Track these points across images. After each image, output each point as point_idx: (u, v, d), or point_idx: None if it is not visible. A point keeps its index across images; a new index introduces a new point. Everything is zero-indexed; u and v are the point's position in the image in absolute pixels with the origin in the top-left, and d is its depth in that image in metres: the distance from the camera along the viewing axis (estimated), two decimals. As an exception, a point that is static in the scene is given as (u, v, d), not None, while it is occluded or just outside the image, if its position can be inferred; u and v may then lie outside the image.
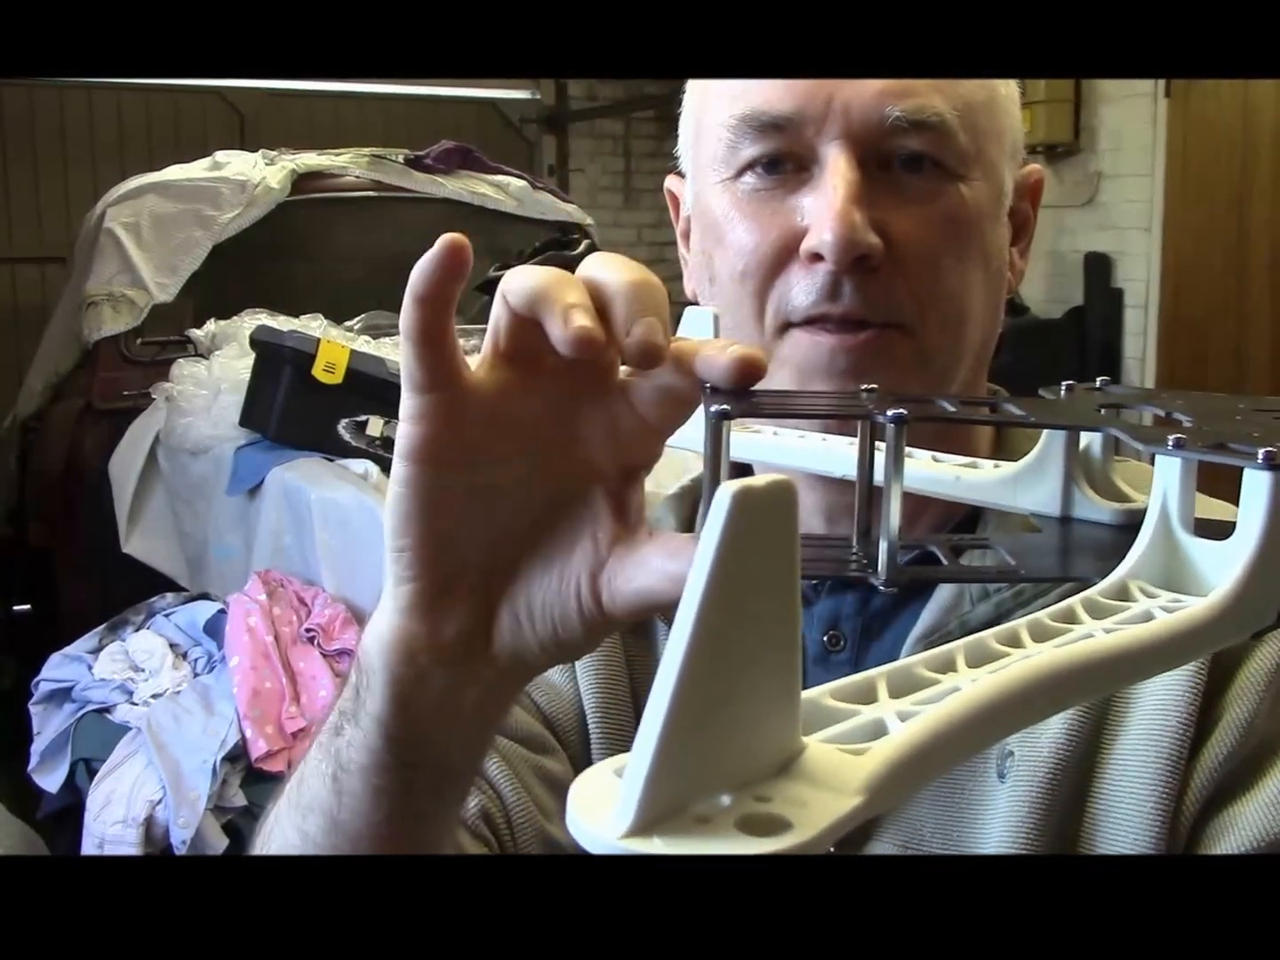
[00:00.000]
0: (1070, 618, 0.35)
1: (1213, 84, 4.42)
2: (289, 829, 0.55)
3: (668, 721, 0.26)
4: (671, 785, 0.26)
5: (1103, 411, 0.44)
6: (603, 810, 0.27)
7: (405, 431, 0.45)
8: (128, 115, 5.18)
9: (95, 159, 5.03)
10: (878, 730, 0.29)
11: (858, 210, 0.65)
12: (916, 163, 0.67)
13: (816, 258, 0.66)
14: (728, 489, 0.26)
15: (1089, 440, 0.47)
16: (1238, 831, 0.60)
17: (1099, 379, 0.49)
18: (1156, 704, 0.62)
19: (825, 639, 0.72)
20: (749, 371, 0.40)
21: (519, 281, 0.44)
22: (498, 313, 0.45)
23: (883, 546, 0.39)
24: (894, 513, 0.38)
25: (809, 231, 0.67)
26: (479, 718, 0.50)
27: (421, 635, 0.47)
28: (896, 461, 0.38)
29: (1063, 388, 0.47)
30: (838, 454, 0.54)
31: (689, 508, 0.79)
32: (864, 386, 0.43)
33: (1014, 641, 0.33)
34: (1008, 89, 0.72)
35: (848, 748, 0.29)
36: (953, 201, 0.68)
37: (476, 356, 0.47)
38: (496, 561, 0.47)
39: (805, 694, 0.30)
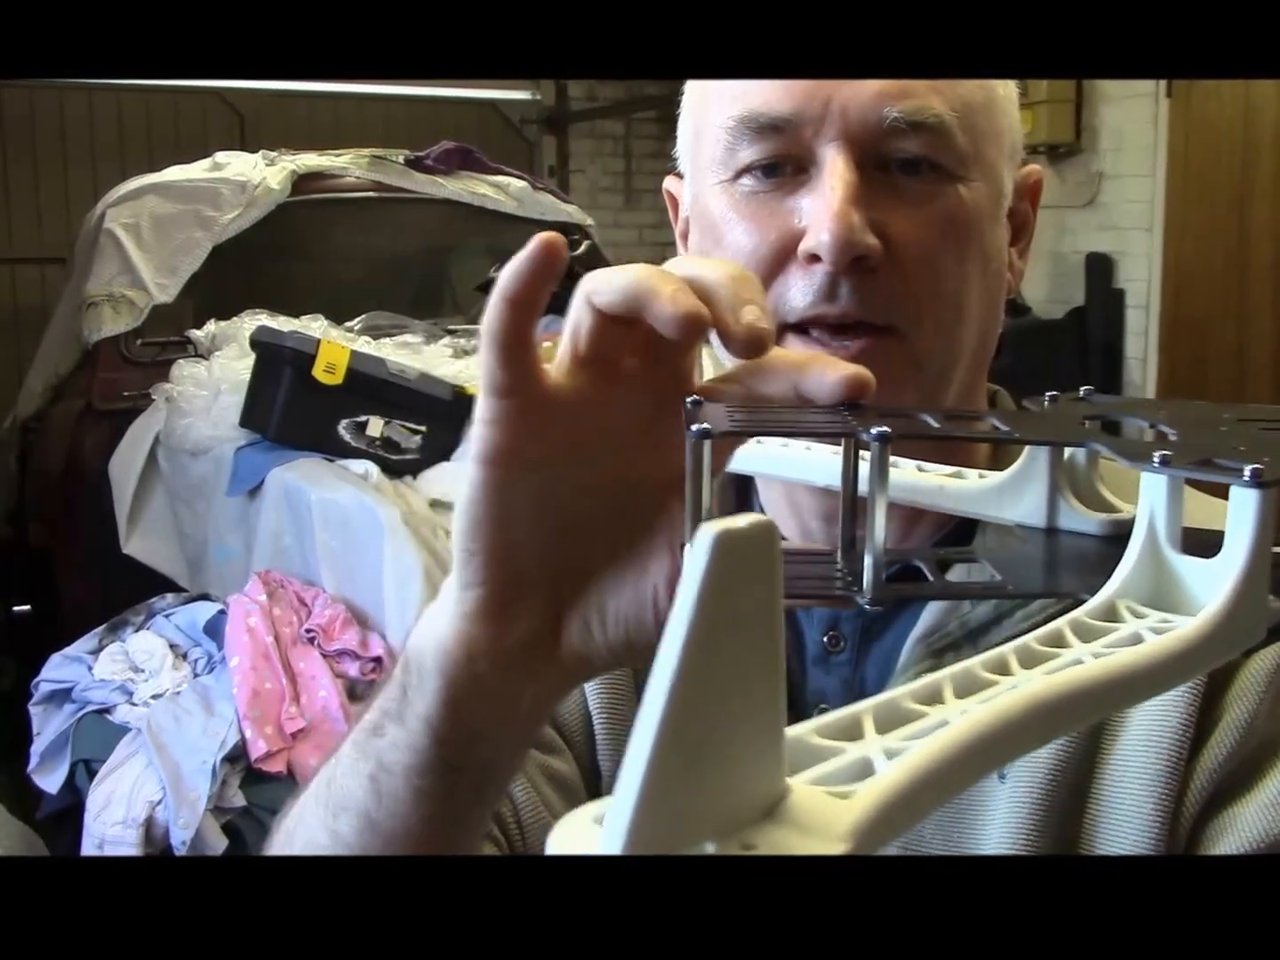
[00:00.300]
0: (1059, 641, 0.34)
1: (1214, 84, 4.42)
2: (317, 829, 0.55)
3: (649, 770, 0.25)
4: (654, 834, 0.26)
5: (1087, 424, 0.44)
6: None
7: (481, 434, 0.44)
8: (128, 116, 5.18)
9: (95, 160, 5.03)
10: (864, 770, 0.29)
11: (856, 211, 0.65)
12: (914, 164, 0.67)
13: (814, 259, 0.66)
14: (709, 530, 0.25)
15: (1073, 450, 0.47)
16: (1237, 832, 0.60)
17: (1083, 388, 0.49)
18: (1156, 704, 0.62)
19: (825, 640, 0.72)
20: (859, 391, 0.40)
21: (608, 280, 0.43)
22: (579, 315, 0.45)
23: (867, 564, 0.38)
24: (879, 531, 0.38)
25: (807, 232, 0.67)
26: (532, 717, 0.50)
27: (485, 640, 0.46)
28: (881, 480, 0.38)
29: (1046, 398, 0.47)
30: (822, 463, 0.54)
31: None
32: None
33: (1002, 669, 0.33)
34: (1006, 89, 0.72)
35: (834, 790, 0.28)
36: (951, 202, 0.68)
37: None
38: (569, 567, 0.46)
39: (790, 731, 0.29)
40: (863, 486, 0.41)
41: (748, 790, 0.27)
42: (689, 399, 0.41)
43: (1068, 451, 0.47)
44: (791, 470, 0.56)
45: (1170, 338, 4.75)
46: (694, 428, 0.38)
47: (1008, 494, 0.48)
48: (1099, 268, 4.87)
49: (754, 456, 0.57)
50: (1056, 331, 4.84)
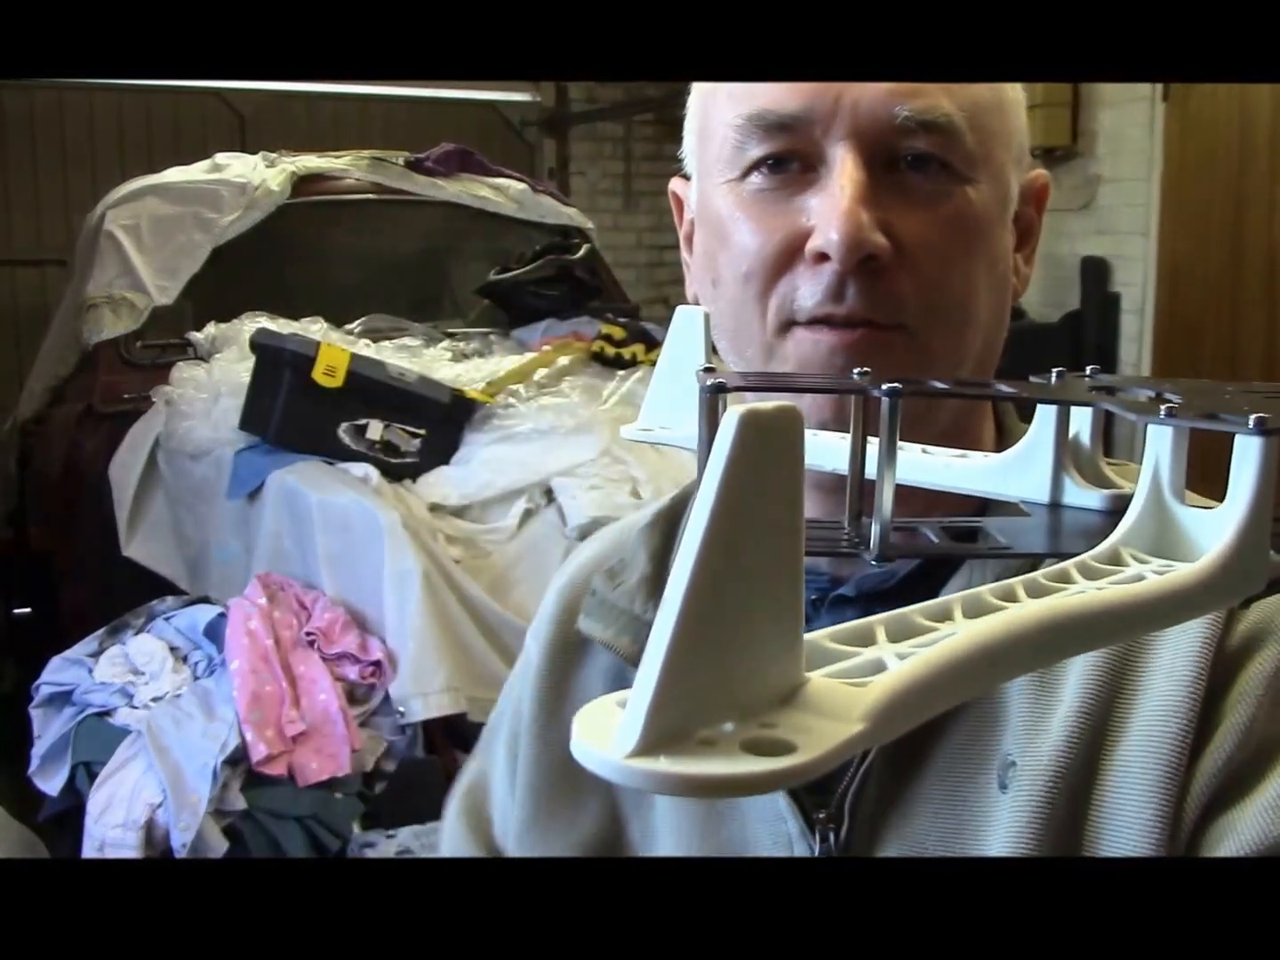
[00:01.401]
0: (1065, 578, 0.35)
1: (1210, 89, 4.42)
2: None
3: (673, 645, 0.26)
4: (676, 709, 0.27)
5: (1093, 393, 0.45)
6: (608, 735, 0.28)
7: None
8: (127, 117, 5.17)
9: (95, 161, 5.03)
10: (878, 668, 0.30)
11: (864, 210, 0.65)
12: (923, 163, 0.67)
13: (822, 257, 0.66)
14: (735, 411, 0.26)
15: (1078, 429, 0.48)
16: (1237, 835, 0.60)
17: (1089, 368, 0.49)
18: (1156, 709, 0.62)
19: None
20: None
21: None
22: None
23: (875, 524, 0.39)
24: (888, 490, 0.39)
25: (815, 231, 0.66)
26: None
27: None
28: (890, 437, 0.38)
29: (1054, 374, 0.48)
30: (830, 448, 0.55)
31: (662, 536, 0.79)
32: (857, 370, 0.43)
33: (1010, 597, 0.34)
34: (1015, 92, 0.72)
35: (850, 681, 0.29)
36: (959, 203, 0.68)
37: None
38: None
39: (806, 636, 0.30)
40: (870, 470, 0.42)
41: (768, 675, 0.28)
42: (701, 366, 0.41)
43: (1072, 429, 0.47)
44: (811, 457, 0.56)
45: (1165, 342, 4.75)
46: (708, 382, 0.38)
47: (1013, 471, 0.49)
48: (1094, 271, 4.87)
49: None
50: (1052, 335, 4.83)
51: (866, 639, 0.31)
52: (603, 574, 0.79)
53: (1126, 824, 0.62)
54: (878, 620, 0.32)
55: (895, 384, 0.38)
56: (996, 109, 0.70)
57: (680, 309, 0.59)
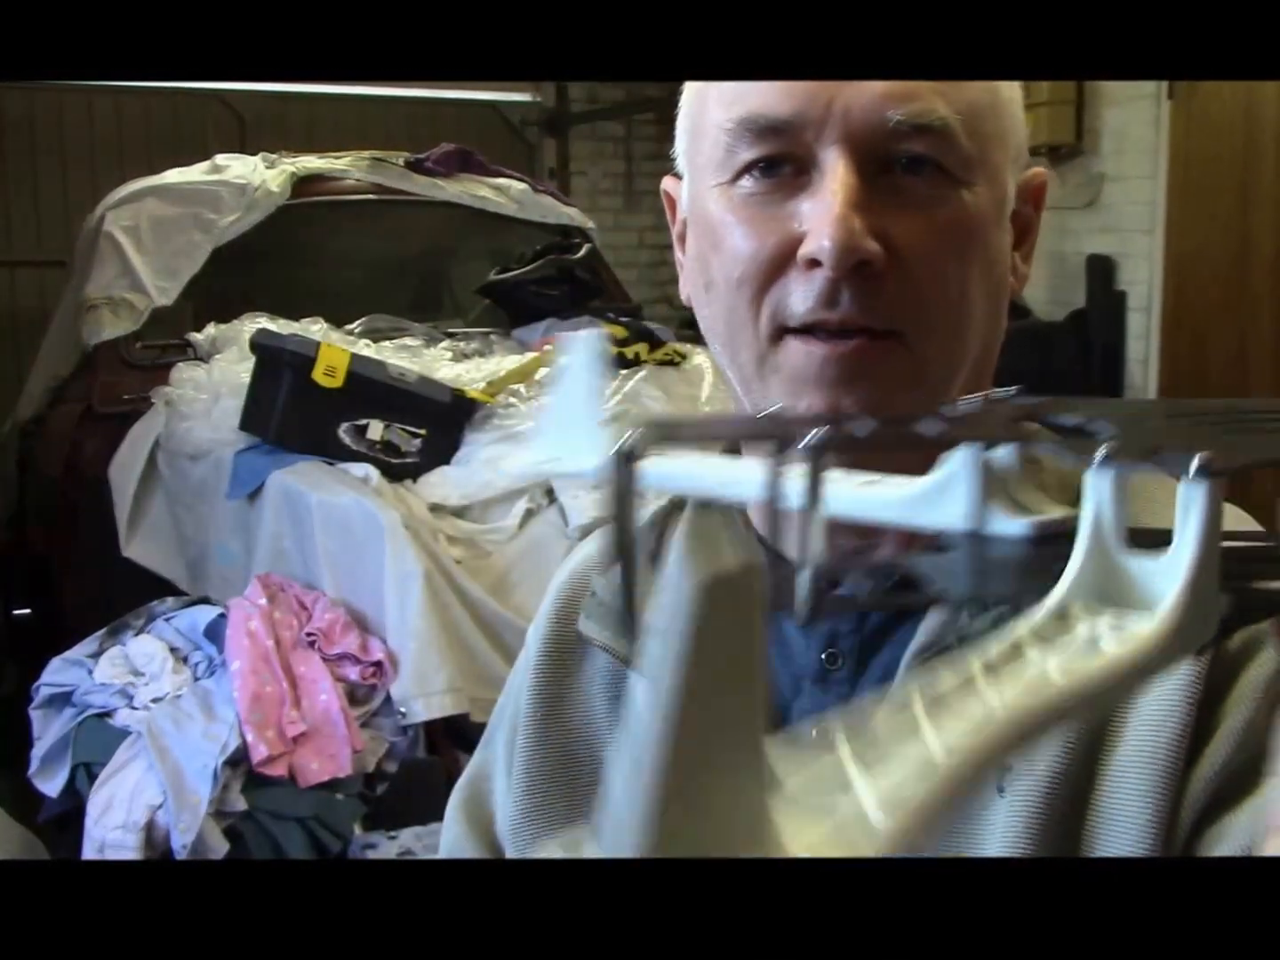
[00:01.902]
0: (1018, 653, 0.34)
1: (1216, 86, 4.42)
2: None
3: (649, 829, 0.25)
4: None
5: (1020, 424, 0.43)
6: None
7: None
8: (127, 119, 5.18)
9: (94, 162, 5.03)
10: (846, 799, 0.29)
11: (857, 216, 0.64)
12: (918, 166, 0.66)
13: (814, 264, 0.65)
14: (695, 577, 0.25)
15: (998, 453, 0.45)
16: (1232, 839, 0.60)
17: (1014, 388, 0.47)
18: (1152, 715, 0.62)
19: (823, 657, 0.72)
20: None
21: None
22: None
23: (801, 578, 0.37)
24: (814, 545, 0.37)
25: (807, 237, 0.66)
26: None
27: None
28: (812, 489, 0.37)
29: (979, 398, 0.45)
30: (747, 479, 0.52)
31: (659, 538, 0.78)
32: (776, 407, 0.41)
33: (969, 684, 0.32)
34: (1011, 91, 0.71)
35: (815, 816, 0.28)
36: (955, 208, 0.67)
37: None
38: None
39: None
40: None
41: (733, 829, 0.27)
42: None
43: (994, 453, 0.45)
44: (715, 484, 0.54)
45: (1171, 340, 4.75)
46: (619, 448, 0.34)
47: (930, 500, 0.45)
48: (1100, 270, 4.87)
49: (677, 474, 0.54)
50: (1057, 334, 4.83)
51: (840, 782, 0.30)
52: (603, 575, 0.79)
53: (1123, 828, 0.62)
54: (844, 745, 0.31)
55: (820, 432, 0.36)
56: (992, 110, 0.69)
57: (570, 335, 0.57)
